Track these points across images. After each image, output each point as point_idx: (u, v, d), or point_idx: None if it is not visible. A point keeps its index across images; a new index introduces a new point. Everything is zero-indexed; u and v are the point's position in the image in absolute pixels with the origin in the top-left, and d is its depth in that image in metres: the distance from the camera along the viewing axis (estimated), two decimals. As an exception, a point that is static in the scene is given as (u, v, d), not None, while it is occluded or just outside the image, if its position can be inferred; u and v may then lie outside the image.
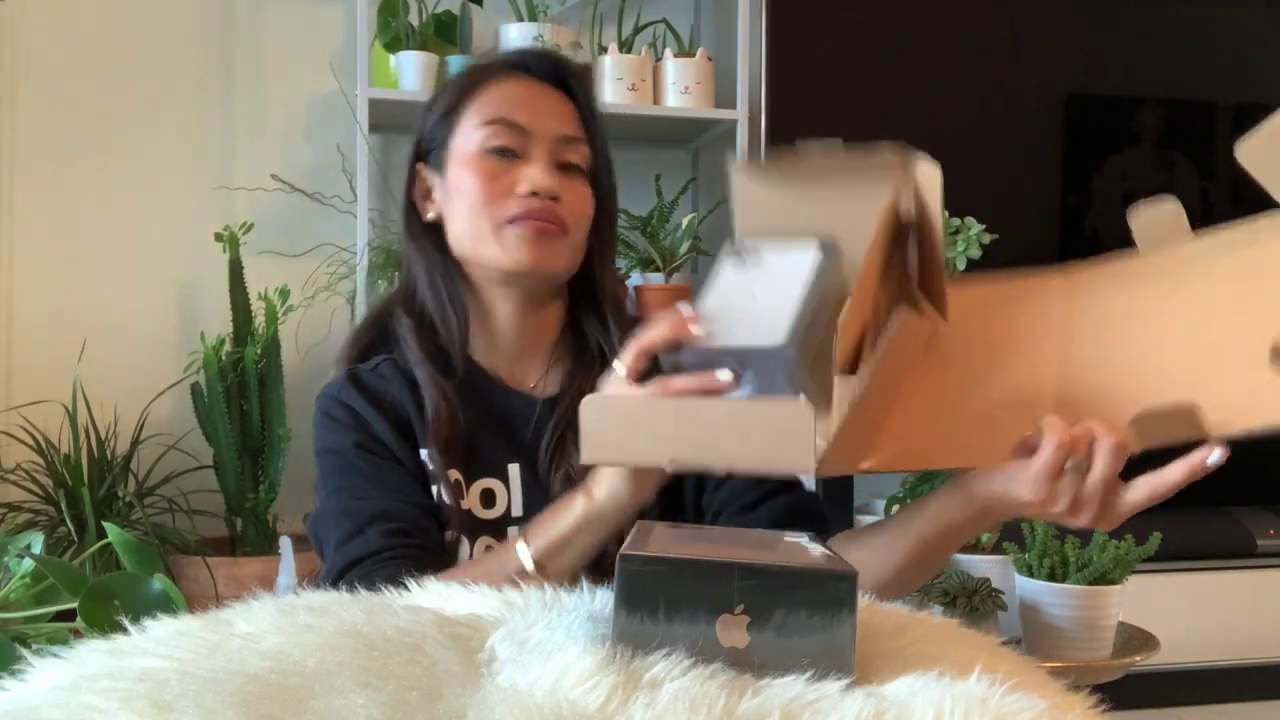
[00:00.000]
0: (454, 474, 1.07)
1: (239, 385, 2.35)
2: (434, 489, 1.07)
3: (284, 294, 2.39)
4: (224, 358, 2.31)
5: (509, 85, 1.12)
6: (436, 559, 1.02)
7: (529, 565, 0.93)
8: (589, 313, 1.16)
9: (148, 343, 2.55)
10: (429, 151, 1.15)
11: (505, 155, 1.09)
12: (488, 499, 1.09)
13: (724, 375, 0.82)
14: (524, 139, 1.10)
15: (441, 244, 1.14)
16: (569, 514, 0.94)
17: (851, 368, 0.87)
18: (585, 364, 1.14)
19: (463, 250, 1.12)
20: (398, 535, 1.02)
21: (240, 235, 2.40)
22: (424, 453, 1.09)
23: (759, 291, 0.86)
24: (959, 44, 2.76)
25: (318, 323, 2.56)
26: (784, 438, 0.78)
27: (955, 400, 0.96)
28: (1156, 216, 0.93)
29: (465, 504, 1.07)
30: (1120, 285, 0.95)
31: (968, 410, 0.95)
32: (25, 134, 2.51)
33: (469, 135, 1.11)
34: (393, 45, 2.51)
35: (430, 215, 1.15)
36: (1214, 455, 0.84)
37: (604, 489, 0.92)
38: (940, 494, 0.97)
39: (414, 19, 2.52)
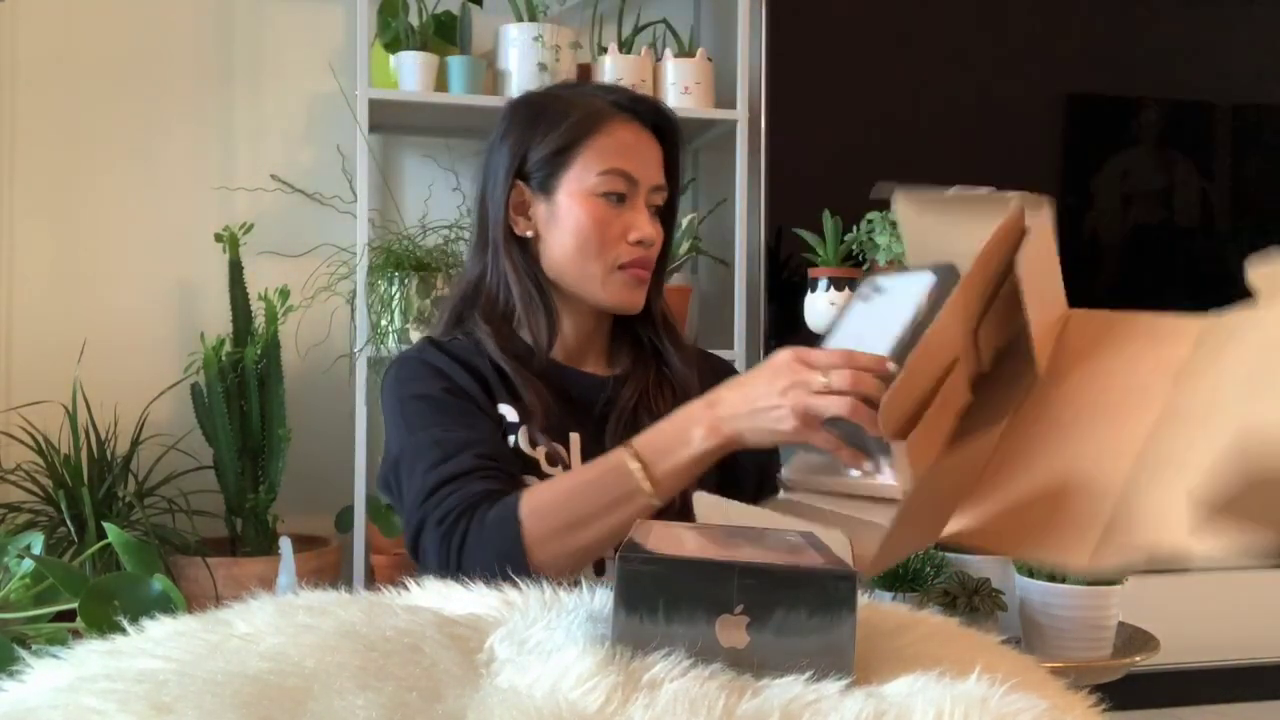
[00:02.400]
0: (526, 431, 1.21)
1: (239, 385, 2.35)
2: (510, 439, 1.21)
3: (284, 294, 2.39)
4: (224, 358, 2.31)
5: (624, 132, 1.25)
6: (520, 485, 1.13)
7: (646, 486, 1.02)
8: (642, 315, 1.31)
9: (148, 343, 2.55)
10: (532, 174, 1.26)
11: (615, 199, 1.24)
12: (552, 459, 1.23)
13: None
14: (631, 186, 1.25)
15: (529, 256, 1.27)
16: (686, 445, 1.02)
17: (931, 394, 0.84)
18: (640, 353, 1.32)
19: (561, 274, 1.26)
20: (488, 459, 1.13)
21: (240, 235, 2.40)
22: (502, 408, 1.22)
23: (876, 318, 0.91)
24: (959, 44, 2.76)
25: (318, 323, 2.56)
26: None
27: (1026, 468, 0.86)
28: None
29: (534, 455, 1.21)
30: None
31: (1030, 486, 0.86)
32: (25, 134, 2.51)
33: (585, 176, 1.24)
34: (393, 45, 2.51)
35: (527, 232, 1.27)
36: None
37: (731, 429, 1.00)
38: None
39: (414, 19, 2.52)
